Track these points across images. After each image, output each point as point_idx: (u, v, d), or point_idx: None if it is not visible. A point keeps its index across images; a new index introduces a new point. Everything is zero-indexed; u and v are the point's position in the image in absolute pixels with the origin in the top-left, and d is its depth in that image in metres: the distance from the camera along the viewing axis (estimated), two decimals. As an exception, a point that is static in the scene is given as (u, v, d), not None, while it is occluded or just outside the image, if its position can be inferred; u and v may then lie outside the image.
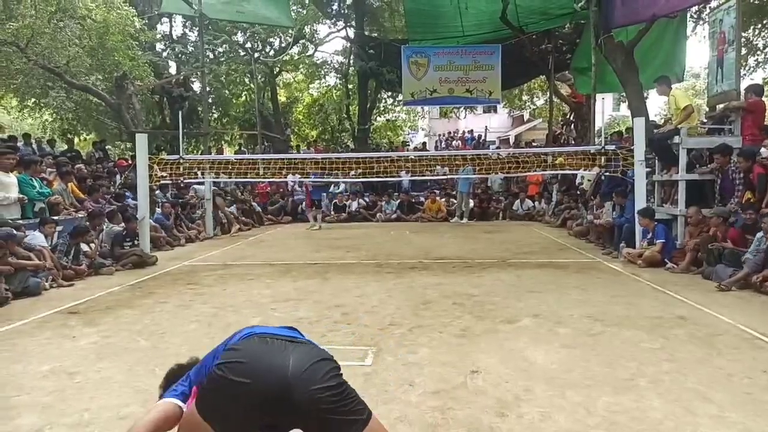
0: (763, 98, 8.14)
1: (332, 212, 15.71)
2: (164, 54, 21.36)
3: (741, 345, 4.10)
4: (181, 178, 11.42)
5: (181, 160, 10.92)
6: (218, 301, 5.76)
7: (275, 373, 1.74)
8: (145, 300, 5.92)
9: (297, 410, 1.73)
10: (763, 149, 7.31)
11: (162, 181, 10.93)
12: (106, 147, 18.05)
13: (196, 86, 20.78)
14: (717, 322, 4.73)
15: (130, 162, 13.55)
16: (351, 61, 22.60)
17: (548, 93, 20.03)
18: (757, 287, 5.81)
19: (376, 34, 21.21)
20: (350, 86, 24.02)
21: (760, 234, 6.20)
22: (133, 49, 15.24)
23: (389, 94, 24.27)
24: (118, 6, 14.38)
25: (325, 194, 15.27)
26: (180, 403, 1.92)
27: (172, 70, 21.65)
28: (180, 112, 12.67)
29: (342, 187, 16.38)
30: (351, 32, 21.38)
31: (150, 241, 9.16)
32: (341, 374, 1.89)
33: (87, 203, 9.40)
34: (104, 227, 8.53)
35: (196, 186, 12.48)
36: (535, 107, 29.62)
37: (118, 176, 12.24)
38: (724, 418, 2.89)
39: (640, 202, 8.15)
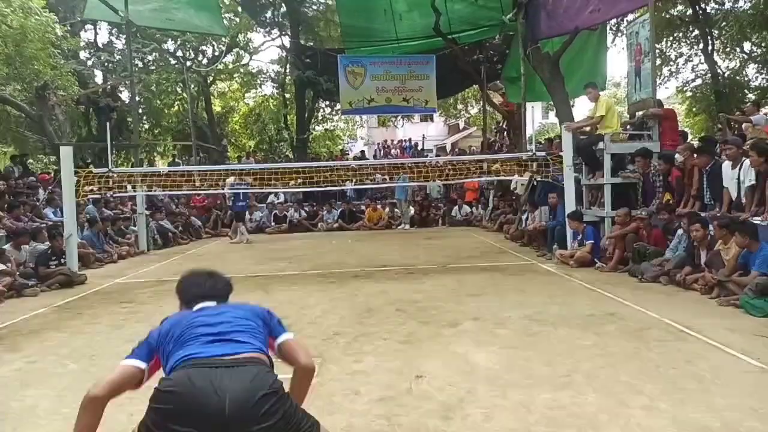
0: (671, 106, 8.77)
1: (272, 223, 15.47)
2: (89, 62, 20.40)
3: (667, 338, 4.35)
4: (111, 192, 10.90)
5: (110, 174, 10.43)
6: (154, 319, 5.49)
7: (212, 418, 1.71)
8: (74, 321, 5.60)
9: None
10: (677, 155, 7.83)
11: (90, 196, 10.39)
12: (28, 161, 16.98)
13: (125, 96, 19.96)
14: (644, 317, 5.01)
15: (52, 176, 12.83)
16: (287, 71, 22.41)
17: (481, 102, 20.61)
18: (679, 283, 6.20)
19: (312, 44, 21.15)
20: (287, 95, 23.79)
21: (680, 232, 6.63)
22: (55, 58, 14.44)
23: (327, 103, 24.22)
24: (37, 12, 13.59)
25: (264, 205, 14.93)
26: (140, 365, 2.02)
27: (99, 79, 20.70)
28: (108, 123, 12.10)
29: (282, 197, 16.15)
30: (286, 41, 21.21)
31: (78, 259, 8.69)
32: (284, 397, 1.87)
33: (6, 221, 8.81)
34: (27, 246, 8.02)
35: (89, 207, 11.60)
36: (469, 116, 30.43)
37: (41, 191, 11.53)
38: (654, 408, 3.05)
39: (569, 206, 8.53)
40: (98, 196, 10.89)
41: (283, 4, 20.31)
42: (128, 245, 10.98)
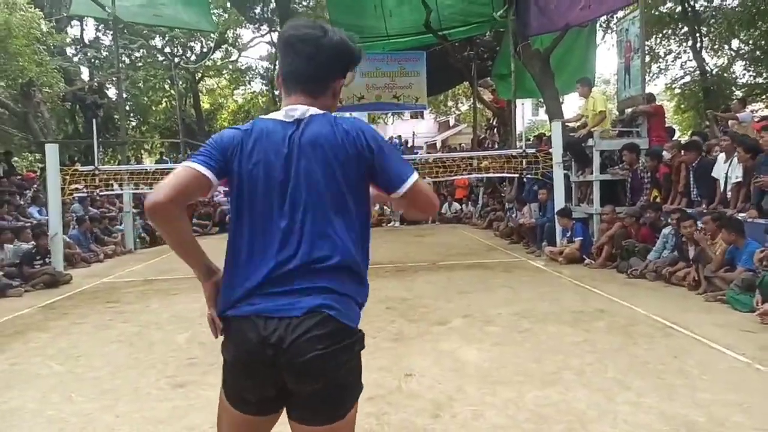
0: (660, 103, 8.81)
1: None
2: (75, 59, 20.18)
3: (654, 334, 4.38)
4: (97, 191, 10.78)
5: (97, 171, 10.32)
6: (141, 319, 5.47)
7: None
8: (59, 322, 5.53)
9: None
10: (665, 152, 7.88)
11: (76, 194, 10.28)
12: (13, 159, 16.77)
13: (112, 93, 19.78)
14: (632, 313, 5.03)
15: (38, 174, 12.67)
16: (276, 67, 22.30)
17: (472, 99, 20.62)
18: (666, 279, 6.24)
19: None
20: (277, 92, 23.69)
21: (667, 230, 6.67)
22: (40, 54, 14.28)
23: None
24: (22, 7, 13.42)
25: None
26: (207, 172, 1.46)
27: (85, 76, 20.49)
28: (94, 121, 11.97)
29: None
30: (276, 37, 21.11)
31: (64, 259, 8.59)
32: None
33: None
34: (11, 245, 7.92)
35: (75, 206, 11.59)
36: (460, 112, 30.45)
37: (28, 190, 11.39)
38: (642, 403, 3.07)
39: (559, 203, 8.55)
40: (85, 194, 10.78)
41: (272, 0, 20.20)
42: (115, 244, 10.88)
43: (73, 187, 9.71)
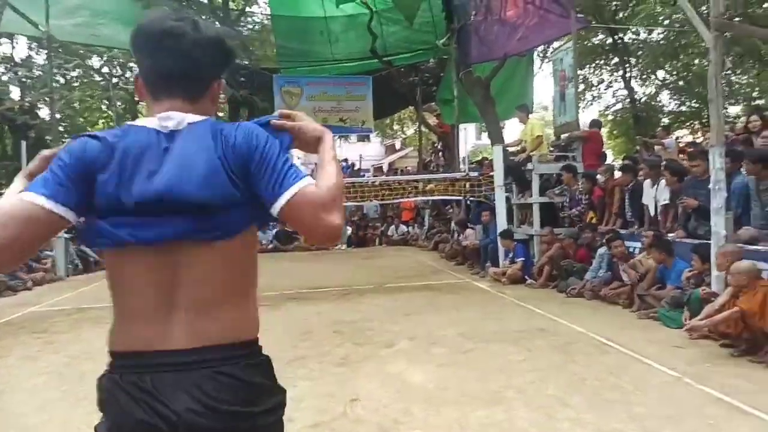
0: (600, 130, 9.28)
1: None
2: (5, 78, 19.24)
3: (592, 351, 4.53)
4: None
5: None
6: (72, 350, 5.17)
7: None
8: (-20, 355, 5.16)
9: None
10: (599, 175, 8.26)
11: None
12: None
13: (45, 113, 18.93)
14: (571, 331, 5.20)
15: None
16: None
17: (417, 123, 21.01)
18: (603, 298, 6.50)
19: (246, 62, 20.93)
20: (221, 114, 23.34)
21: (602, 250, 6.96)
22: (-34, 72, 13.54)
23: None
24: (-54, 23, 12.72)
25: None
26: (45, 203, 1.08)
27: (16, 95, 19.54)
28: (24, 142, 11.41)
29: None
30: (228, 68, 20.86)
31: (-13, 287, 8.06)
32: None
33: None
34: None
35: None
36: (405, 136, 30.93)
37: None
38: (581, 419, 3.15)
39: (501, 225, 8.79)
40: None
41: (216, 23, 20.03)
42: (44, 271, 10.28)
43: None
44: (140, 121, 1.23)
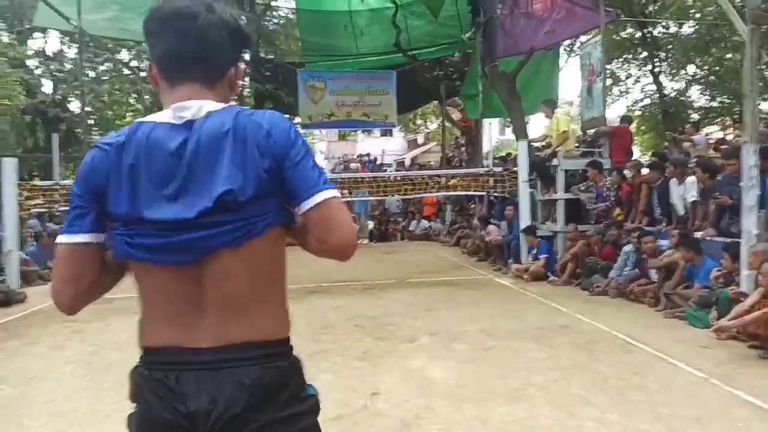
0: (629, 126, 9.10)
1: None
2: (37, 71, 19.69)
3: (615, 350, 4.46)
4: (57, 206, 10.46)
5: (57, 187, 10.02)
6: (98, 339, 5.29)
7: None
8: (11, 342, 5.30)
9: None
10: (626, 171, 8.11)
11: (33, 210, 9.95)
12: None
13: (75, 106, 19.33)
14: (594, 329, 5.12)
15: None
16: (246, 83, 22.21)
17: (441, 118, 20.89)
18: (628, 296, 6.39)
19: (272, 56, 21.05)
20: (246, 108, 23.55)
21: (628, 248, 6.84)
22: (1, 65, 13.90)
23: (287, 116, 24.09)
24: (-19, 18, 13.10)
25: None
26: (78, 239, 1.17)
27: (47, 88, 19.99)
28: (56, 135, 11.67)
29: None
30: (246, 54, 21.05)
31: (21, 276, 8.28)
32: None
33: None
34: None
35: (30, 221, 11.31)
36: (428, 131, 30.80)
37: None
38: (604, 419, 3.11)
39: (524, 221, 8.69)
40: (44, 210, 10.44)
41: (242, 17, 20.20)
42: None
43: (33, 202, 9.40)
44: (151, 117, 1.17)
